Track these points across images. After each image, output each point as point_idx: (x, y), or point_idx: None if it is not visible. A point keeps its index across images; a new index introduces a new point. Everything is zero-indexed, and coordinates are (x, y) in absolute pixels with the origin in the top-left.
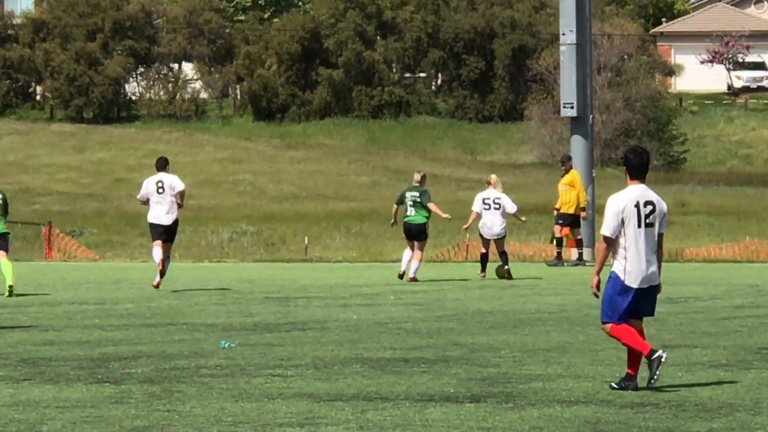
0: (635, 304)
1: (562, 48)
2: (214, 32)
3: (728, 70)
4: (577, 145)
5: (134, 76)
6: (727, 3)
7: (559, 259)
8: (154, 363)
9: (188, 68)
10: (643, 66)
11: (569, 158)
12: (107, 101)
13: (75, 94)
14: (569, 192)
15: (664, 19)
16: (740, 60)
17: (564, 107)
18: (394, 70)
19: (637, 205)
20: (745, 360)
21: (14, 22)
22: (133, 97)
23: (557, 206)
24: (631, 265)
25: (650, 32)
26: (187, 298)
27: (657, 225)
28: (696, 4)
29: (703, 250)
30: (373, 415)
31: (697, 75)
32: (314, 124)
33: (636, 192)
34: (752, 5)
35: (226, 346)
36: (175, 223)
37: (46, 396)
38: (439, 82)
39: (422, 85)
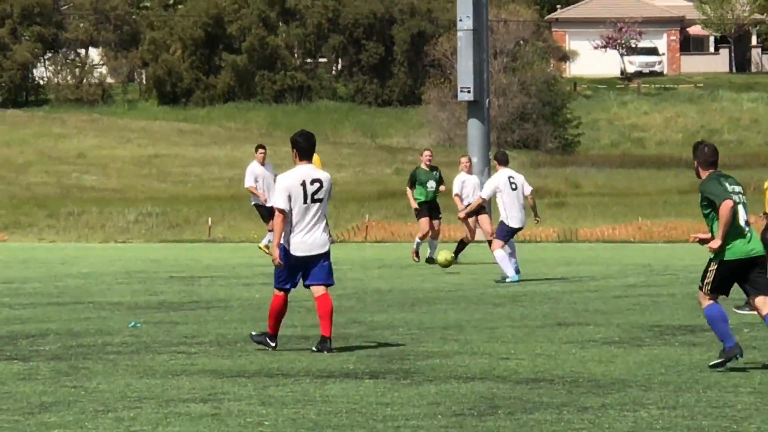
0: (307, 271)
1: (459, 33)
2: (120, 18)
3: (621, 55)
4: (474, 129)
5: (42, 61)
6: None
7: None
8: (62, 340)
9: (95, 54)
10: (539, 51)
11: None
12: (15, 86)
13: None
14: None
15: (558, 6)
16: (633, 45)
17: (461, 91)
18: (296, 55)
19: (303, 184)
20: (637, 337)
21: None
22: (41, 82)
23: None
24: (295, 236)
25: (545, 18)
26: (94, 277)
27: (325, 199)
28: None
29: (597, 230)
30: (274, 390)
31: (591, 60)
32: (218, 108)
33: (302, 171)
34: None
35: (133, 325)
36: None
37: None
38: (339, 67)
39: (323, 70)
